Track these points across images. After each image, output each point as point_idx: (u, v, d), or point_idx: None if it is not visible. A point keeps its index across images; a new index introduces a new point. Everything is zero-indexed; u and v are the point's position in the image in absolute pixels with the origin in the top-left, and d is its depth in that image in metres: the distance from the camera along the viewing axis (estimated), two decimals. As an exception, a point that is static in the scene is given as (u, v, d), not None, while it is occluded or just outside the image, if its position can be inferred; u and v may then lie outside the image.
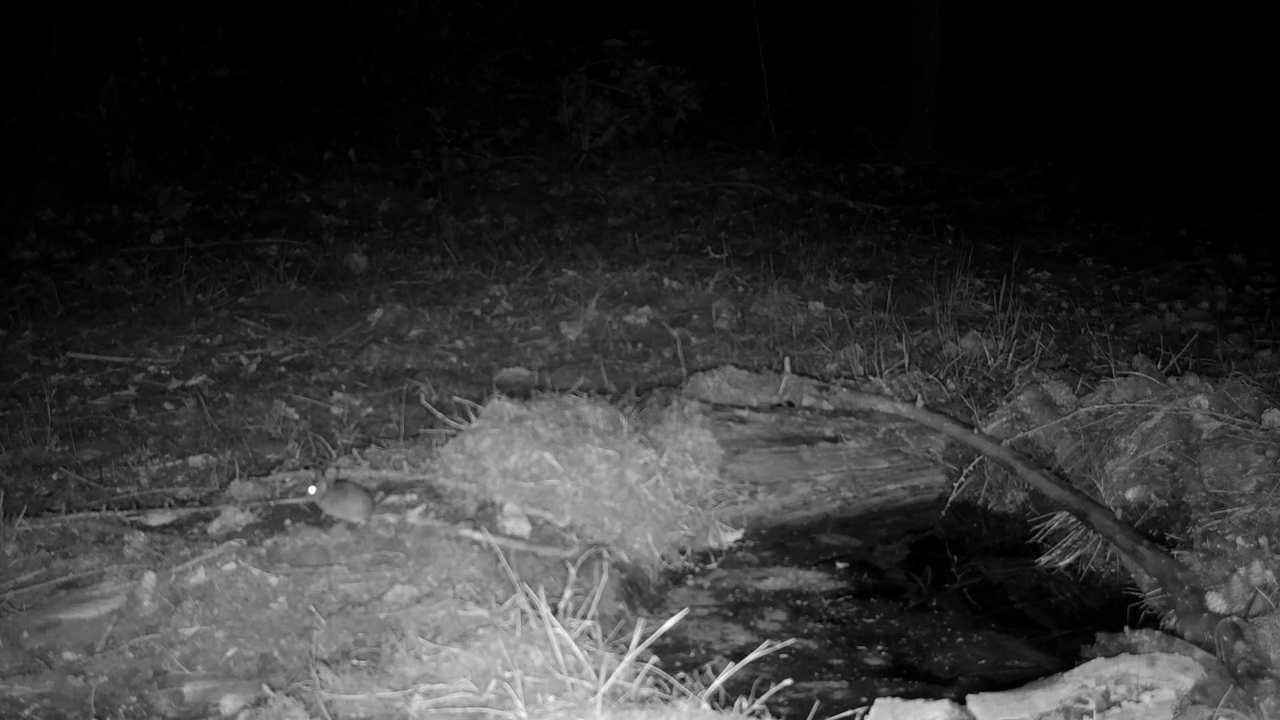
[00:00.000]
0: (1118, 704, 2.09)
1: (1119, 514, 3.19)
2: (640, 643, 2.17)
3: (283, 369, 4.65)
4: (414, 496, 3.03)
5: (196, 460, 3.66)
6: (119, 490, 3.43)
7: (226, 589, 2.55)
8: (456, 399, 3.69)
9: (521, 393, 3.51)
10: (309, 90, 9.81)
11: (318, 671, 2.19)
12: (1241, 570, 2.63)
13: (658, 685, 2.18)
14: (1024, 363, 4.27)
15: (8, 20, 7.88)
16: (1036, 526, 3.38)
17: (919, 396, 3.88)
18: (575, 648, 2.20)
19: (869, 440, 3.74)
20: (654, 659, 2.22)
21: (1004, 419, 3.69)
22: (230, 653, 2.39)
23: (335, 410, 4.15)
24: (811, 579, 3.19)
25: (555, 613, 2.26)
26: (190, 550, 2.73)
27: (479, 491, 3.04)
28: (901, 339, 4.73)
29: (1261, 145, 8.97)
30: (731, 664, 2.14)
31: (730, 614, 2.98)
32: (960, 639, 2.86)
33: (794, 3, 11.28)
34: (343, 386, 4.40)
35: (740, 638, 2.83)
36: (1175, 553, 2.85)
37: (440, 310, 5.39)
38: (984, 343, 4.52)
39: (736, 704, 2.09)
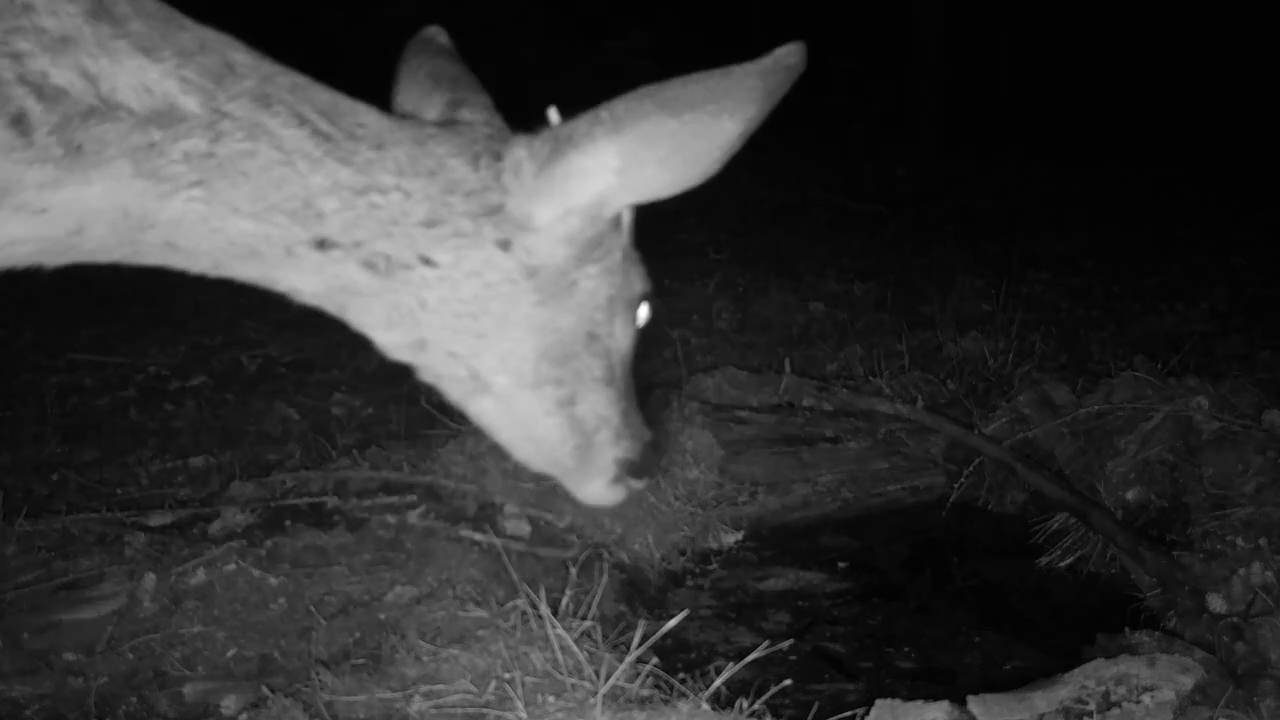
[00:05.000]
0: (1118, 704, 2.09)
1: (1119, 515, 3.19)
2: (641, 643, 2.17)
3: (283, 369, 4.65)
4: (414, 497, 3.03)
5: (197, 461, 3.66)
6: (119, 491, 3.43)
7: (227, 589, 2.55)
8: (457, 400, 3.69)
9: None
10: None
11: (317, 673, 2.19)
12: (1242, 571, 2.63)
13: (658, 686, 2.18)
14: (1024, 363, 4.27)
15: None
16: (1037, 527, 3.38)
17: (919, 397, 3.88)
18: (575, 648, 2.20)
19: (869, 441, 3.74)
20: (654, 660, 2.22)
21: (1004, 420, 3.68)
22: (230, 653, 2.39)
23: (335, 411, 4.14)
24: (812, 580, 3.18)
25: (555, 613, 2.26)
26: (190, 551, 2.73)
27: (479, 492, 3.05)
28: (901, 340, 4.73)
29: (1262, 146, 8.97)
30: (732, 664, 2.14)
31: (731, 615, 2.98)
32: (960, 639, 2.86)
33: (794, 2, 11.29)
34: (343, 387, 4.40)
35: (741, 638, 2.83)
36: (1175, 553, 2.85)
37: (440, 310, 5.37)
38: (984, 343, 4.52)
39: (737, 704, 2.09)
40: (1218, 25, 10.99)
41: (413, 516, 2.90)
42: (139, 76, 1.27)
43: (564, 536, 2.96)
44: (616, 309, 1.55)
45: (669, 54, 9.23)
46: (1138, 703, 2.08)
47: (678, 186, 1.45)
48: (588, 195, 1.42)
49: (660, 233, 7.00)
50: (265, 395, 4.30)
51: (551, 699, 2.09)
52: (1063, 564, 3.24)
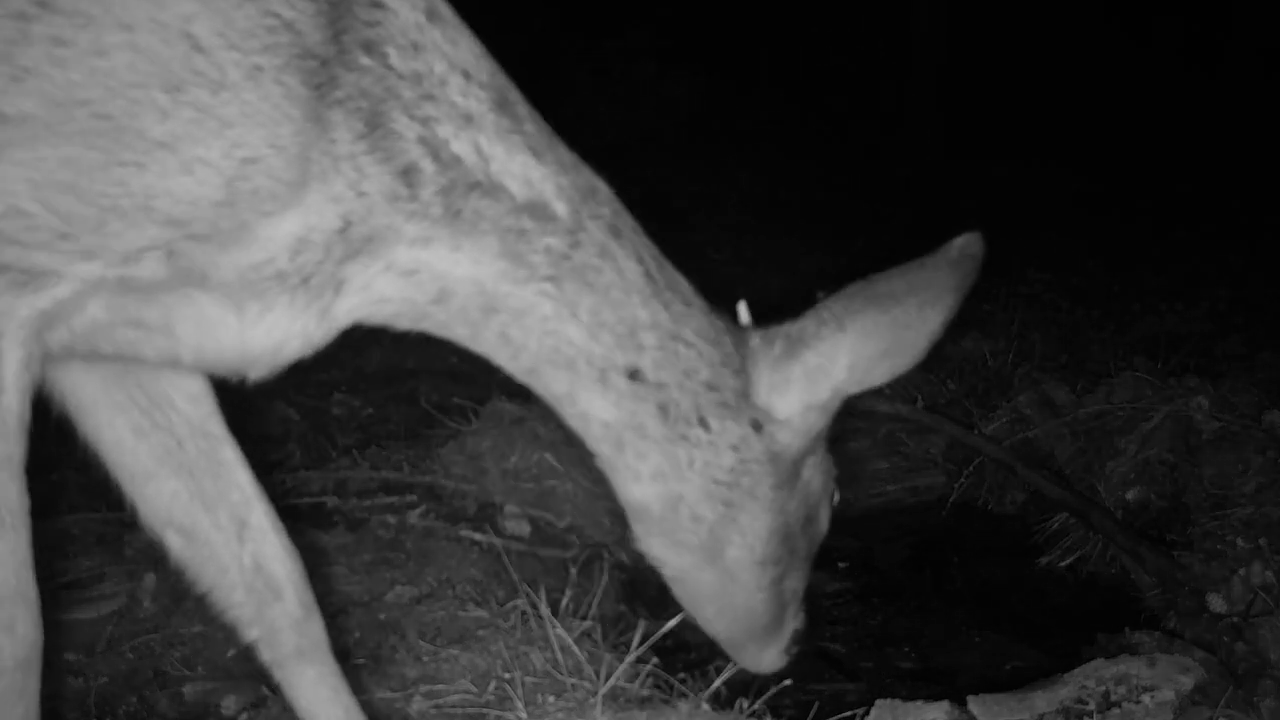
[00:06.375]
0: (1118, 704, 2.09)
1: (1119, 515, 3.19)
2: (641, 643, 2.17)
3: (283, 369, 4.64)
4: (414, 497, 3.03)
5: (197, 460, 3.65)
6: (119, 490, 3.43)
7: (227, 589, 2.54)
8: (457, 400, 3.69)
9: (522, 394, 3.50)
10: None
11: (318, 672, 2.19)
12: (1242, 571, 2.63)
13: (658, 686, 2.18)
14: (1024, 363, 4.27)
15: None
16: (1037, 527, 3.38)
17: (919, 397, 3.88)
18: (575, 648, 2.20)
19: (869, 440, 3.74)
20: (654, 660, 2.22)
21: (1004, 419, 3.69)
22: (231, 653, 2.38)
23: (335, 411, 4.14)
24: (812, 579, 3.17)
25: (555, 613, 2.26)
26: (191, 551, 2.72)
27: (479, 492, 3.05)
28: (902, 339, 4.72)
29: (1262, 146, 8.97)
30: (732, 664, 2.13)
31: (730, 614, 2.97)
32: (960, 639, 2.86)
33: (794, 2, 11.29)
34: (343, 387, 4.39)
35: (740, 638, 2.83)
36: (1175, 553, 2.85)
37: (440, 310, 5.37)
38: (984, 343, 4.52)
39: (737, 704, 2.10)
40: (1218, 26, 11.00)
41: (413, 516, 2.90)
42: (524, 170, 1.40)
43: (564, 536, 2.96)
44: (825, 495, 1.71)
45: (669, 54, 9.24)
46: (1138, 703, 2.09)
47: (892, 375, 1.61)
48: (825, 391, 1.57)
49: (660, 233, 7.02)
50: (265, 395, 4.28)
51: (551, 699, 2.09)
52: (1063, 564, 3.24)
